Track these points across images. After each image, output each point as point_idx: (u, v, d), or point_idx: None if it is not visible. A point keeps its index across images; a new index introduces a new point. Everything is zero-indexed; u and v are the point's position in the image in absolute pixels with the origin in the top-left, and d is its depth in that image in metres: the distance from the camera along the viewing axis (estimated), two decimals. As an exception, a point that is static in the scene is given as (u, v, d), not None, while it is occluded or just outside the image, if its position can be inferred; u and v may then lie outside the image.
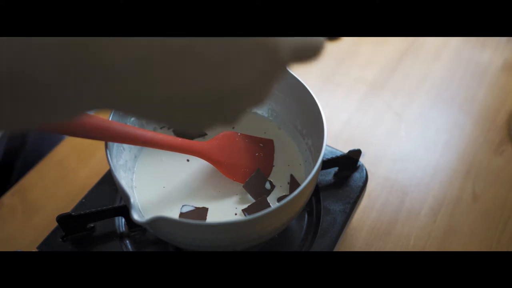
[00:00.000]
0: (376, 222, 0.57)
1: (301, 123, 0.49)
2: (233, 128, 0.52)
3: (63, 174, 0.61)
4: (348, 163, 0.51)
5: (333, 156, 0.50)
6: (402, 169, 0.63)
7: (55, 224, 0.44)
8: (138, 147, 0.48)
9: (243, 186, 0.46)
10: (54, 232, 0.46)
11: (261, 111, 0.53)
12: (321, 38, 0.29)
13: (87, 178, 0.60)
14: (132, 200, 0.36)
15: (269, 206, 0.44)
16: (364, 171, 0.51)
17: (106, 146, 0.40)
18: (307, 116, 0.47)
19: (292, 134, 0.51)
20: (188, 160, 0.49)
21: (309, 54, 0.29)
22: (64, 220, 0.44)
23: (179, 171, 0.48)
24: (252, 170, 0.47)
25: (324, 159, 0.48)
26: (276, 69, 0.25)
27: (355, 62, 0.79)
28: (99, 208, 0.45)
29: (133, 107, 0.23)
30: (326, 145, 0.41)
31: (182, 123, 0.24)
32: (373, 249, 0.55)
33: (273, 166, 0.49)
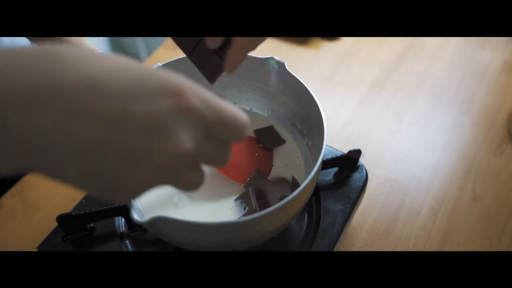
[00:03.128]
0: (376, 222, 0.57)
1: (301, 123, 0.49)
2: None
3: (63, 174, 0.61)
4: (348, 163, 0.51)
5: (333, 156, 0.50)
6: (402, 169, 0.63)
7: (55, 224, 0.44)
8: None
9: (243, 186, 0.46)
10: (54, 232, 0.46)
11: (261, 111, 0.53)
12: (246, 117, 0.27)
13: (87, 178, 0.60)
14: (132, 200, 0.36)
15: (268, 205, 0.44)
16: (364, 171, 0.51)
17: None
18: (307, 116, 0.47)
19: (292, 134, 0.51)
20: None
21: (230, 123, 0.26)
22: (64, 220, 0.44)
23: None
24: (252, 170, 0.47)
25: (324, 159, 0.48)
26: (181, 112, 0.24)
27: (355, 62, 0.79)
28: (99, 208, 0.45)
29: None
30: (326, 145, 0.41)
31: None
32: (373, 249, 0.55)
33: (273, 166, 0.49)
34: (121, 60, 0.23)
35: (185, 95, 0.24)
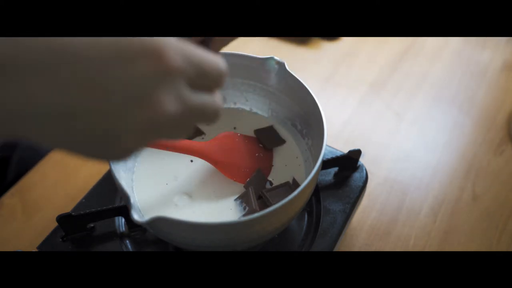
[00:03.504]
0: (376, 222, 0.57)
1: (301, 123, 0.49)
2: (234, 128, 0.52)
3: (63, 174, 0.61)
4: (348, 163, 0.51)
5: (333, 156, 0.50)
6: (402, 169, 0.63)
7: (55, 224, 0.44)
8: (138, 147, 0.48)
9: (243, 186, 0.46)
10: (54, 232, 0.46)
11: (261, 111, 0.53)
12: (223, 63, 0.27)
13: (87, 178, 0.60)
14: (132, 200, 0.36)
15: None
16: (364, 171, 0.51)
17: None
18: (307, 116, 0.47)
19: (292, 134, 0.51)
20: (191, 161, 0.49)
21: (209, 74, 0.26)
22: (64, 220, 0.44)
23: (179, 171, 0.48)
24: (252, 170, 0.47)
25: (324, 159, 0.48)
26: (162, 75, 0.23)
27: (355, 62, 0.79)
28: (99, 208, 0.45)
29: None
30: (326, 145, 0.41)
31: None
32: (373, 249, 0.55)
33: (273, 166, 0.49)
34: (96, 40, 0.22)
35: (165, 55, 0.22)
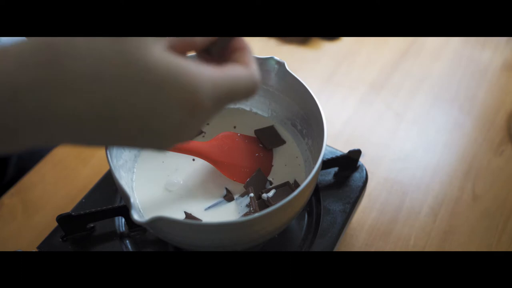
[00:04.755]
0: (376, 222, 0.57)
1: (301, 123, 0.49)
2: (234, 128, 0.52)
3: (63, 174, 0.61)
4: (348, 163, 0.51)
5: (333, 156, 0.50)
6: (402, 169, 0.63)
7: (55, 224, 0.44)
8: (138, 147, 0.48)
9: (243, 186, 0.46)
10: (54, 232, 0.46)
11: (261, 111, 0.53)
12: (254, 79, 0.30)
13: (87, 178, 0.60)
14: (132, 200, 0.36)
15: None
16: (364, 171, 0.51)
17: (106, 146, 0.40)
18: (307, 116, 0.47)
19: (292, 134, 0.51)
20: (193, 160, 0.49)
21: (239, 98, 0.29)
22: (64, 220, 0.44)
23: (179, 171, 0.48)
24: (252, 170, 0.47)
25: (324, 159, 0.48)
26: (199, 117, 0.27)
27: (355, 62, 0.79)
28: (99, 208, 0.45)
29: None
30: (326, 145, 0.41)
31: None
32: (373, 249, 0.55)
33: (273, 166, 0.49)
34: (123, 63, 0.24)
35: (202, 105, 0.26)
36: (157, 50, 0.25)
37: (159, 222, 0.34)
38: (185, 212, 0.44)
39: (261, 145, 0.50)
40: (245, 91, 0.29)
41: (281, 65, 0.47)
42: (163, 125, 0.26)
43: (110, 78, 0.23)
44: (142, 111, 0.25)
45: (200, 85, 0.25)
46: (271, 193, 0.44)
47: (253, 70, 0.30)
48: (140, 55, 0.24)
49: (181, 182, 0.47)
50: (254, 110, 0.53)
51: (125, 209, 0.45)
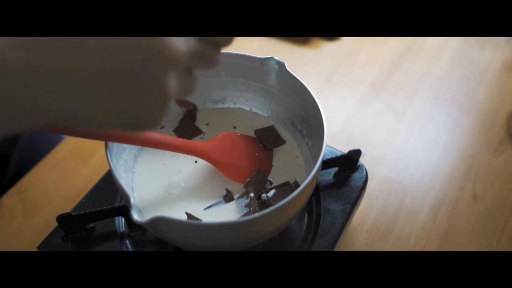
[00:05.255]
0: (376, 222, 0.57)
1: (301, 123, 0.49)
2: (234, 128, 0.52)
3: (63, 174, 0.61)
4: (348, 163, 0.51)
5: (333, 156, 0.50)
6: (402, 169, 0.63)
7: (55, 224, 0.44)
8: (138, 147, 0.48)
9: (243, 186, 0.46)
10: (54, 232, 0.46)
11: (261, 111, 0.53)
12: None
13: (87, 178, 0.60)
14: (132, 200, 0.36)
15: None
16: (364, 171, 0.51)
17: (106, 146, 0.40)
18: (307, 116, 0.47)
19: (292, 134, 0.51)
20: (196, 162, 0.49)
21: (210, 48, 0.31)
22: (64, 220, 0.44)
23: (179, 171, 0.48)
24: (252, 170, 0.47)
25: (324, 159, 0.48)
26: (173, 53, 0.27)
27: (355, 62, 0.79)
28: (99, 208, 0.45)
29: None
30: (326, 145, 0.41)
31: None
32: (373, 249, 0.55)
33: (273, 166, 0.49)
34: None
35: (176, 56, 0.27)
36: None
37: (159, 222, 0.34)
38: (186, 213, 0.44)
39: (261, 145, 0.50)
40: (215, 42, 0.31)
41: (281, 65, 0.47)
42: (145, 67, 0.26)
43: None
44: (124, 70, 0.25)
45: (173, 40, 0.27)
46: (271, 193, 0.44)
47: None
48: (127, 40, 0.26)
49: (182, 185, 0.47)
50: (254, 110, 0.53)
51: (125, 209, 0.45)
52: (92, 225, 0.46)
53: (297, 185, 0.47)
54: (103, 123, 0.27)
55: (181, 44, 0.28)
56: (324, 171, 0.51)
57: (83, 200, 0.48)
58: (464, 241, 0.56)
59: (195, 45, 0.30)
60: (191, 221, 0.42)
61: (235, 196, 0.46)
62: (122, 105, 0.27)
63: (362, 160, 0.52)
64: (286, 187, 0.45)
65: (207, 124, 0.52)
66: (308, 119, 0.47)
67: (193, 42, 0.29)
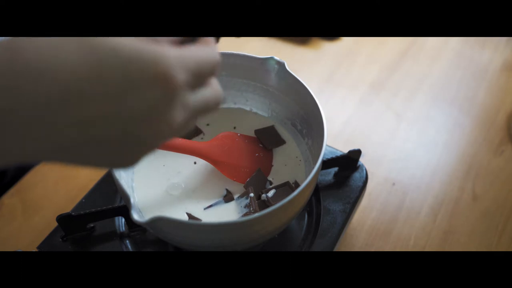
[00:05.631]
0: (376, 222, 0.57)
1: (301, 123, 0.49)
2: (234, 128, 0.52)
3: (63, 174, 0.61)
4: (348, 163, 0.51)
5: (333, 156, 0.50)
6: (402, 169, 0.63)
7: (55, 224, 0.44)
8: (138, 147, 0.48)
9: (243, 186, 0.46)
10: (54, 232, 0.46)
11: (261, 111, 0.53)
12: (216, 52, 0.28)
13: (87, 178, 0.60)
14: (132, 200, 0.36)
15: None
16: (364, 171, 0.51)
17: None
18: (307, 116, 0.47)
19: (292, 134, 0.51)
20: (195, 163, 0.49)
21: (207, 70, 0.27)
22: (64, 220, 0.44)
23: (179, 171, 0.48)
24: (252, 170, 0.47)
25: (324, 159, 0.48)
26: (172, 93, 0.24)
27: (355, 62, 0.79)
28: (99, 208, 0.45)
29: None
30: (326, 145, 0.41)
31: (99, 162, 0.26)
32: (373, 249, 0.55)
33: (273, 166, 0.49)
34: (88, 51, 0.22)
35: (172, 79, 0.24)
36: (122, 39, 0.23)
37: (159, 222, 0.34)
38: (187, 213, 0.44)
39: (261, 145, 0.50)
40: (212, 61, 0.27)
41: (281, 65, 0.47)
42: (137, 104, 0.23)
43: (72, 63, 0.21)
44: (110, 95, 0.22)
45: (164, 55, 0.24)
46: (271, 193, 0.44)
47: (214, 46, 0.28)
48: (104, 41, 0.22)
49: (183, 186, 0.46)
50: (254, 110, 0.53)
51: (125, 209, 0.45)
52: (92, 225, 0.46)
53: (297, 185, 0.47)
54: (79, 164, 0.25)
55: (177, 65, 0.24)
56: (324, 171, 0.51)
57: (83, 200, 0.48)
58: (464, 241, 0.56)
59: (194, 100, 0.26)
60: (191, 221, 0.42)
61: (235, 196, 0.46)
62: (96, 154, 0.24)
63: (362, 160, 0.52)
64: (286, 187, 0.45)
65: (207, 124, 0.52)
66: (308, 119, 0.47)
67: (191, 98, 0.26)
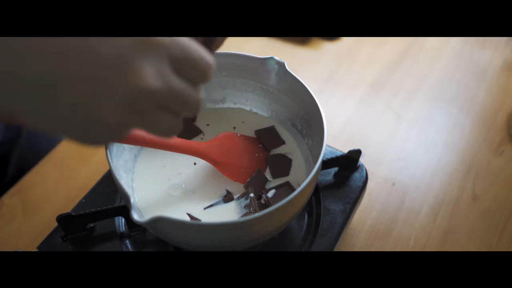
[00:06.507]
0: (376, 222, 0.57)
1: (301, 123, 0.49)
2: (234, 128, 0.52)
3: (63, 174, 0.61)
4: (348, 163, 0.51)
5: (333, 156, 0.50)
6: (402, 169, 0.63)
7: (55, 224, 0.44)
8: (138, 147, 0.48)
9: (243, 186, 0.46)
10: (54, 232, 0.46)
11: (261, 111, 0.53)
12: (208, 56, 0.27)
13: (87, 178, 0.60)
14: (132, 200, 0.36)
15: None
16: (364, 171, 0.51)
17: (106, 146, 0.40)
18: (307, 116, 0.47)
19: (292, 134, 0.51)
20: (195, 163, 0.49)
21: (196, 63, 0.27)
22: (64, 220, 0.44)
23: (179, 171, 0.48)
24: (252, 170, 0.47)
25: (324, 159, 0.48)
26: (143, 49, 0.24)
27: (355, 62, 0.79)
28: (99, 208, 0.45)
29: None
30: (326, 145, 0.41)
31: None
32: (373, 249, 0.55)
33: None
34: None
35: (151, 39, 0.23)
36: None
37: (159, 222, 0.34)
38: (187, 214, 0.44)
39: (261, 145, 0.50)
40: (203, 61, 0.27)
41: (281, 65, 0.47)
42: (105, 50, 0.23)
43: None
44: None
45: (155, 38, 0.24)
46: (271, 193, 0.44)
47: (209, 53, 0.28)
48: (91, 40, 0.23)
49: (183, 186, 0.46)
50: (254, 110, 0.53)
51: (125, 209, 0.45)
52: (92, 225, 0.46)
53: (297, 185, 0.47)
54: (57, 130, 0.25)
55: (151, 74, 0.24)
56: (324, 171, 0.51)
57: (83, 200, 0.48)
58: (464, 241, 0.56)
59: (171, 81, 0.26)
60: (191, 221, 0.42)
61: (235, 197, 0.46)
62: (76, 117, 0.24)
63: (362, 160, 0.52)
64: (286, 187, 0.45)
65: (207, 124, 0.52)
66: (308, 119, 0.47)
67: (168, 76, 0.25)
